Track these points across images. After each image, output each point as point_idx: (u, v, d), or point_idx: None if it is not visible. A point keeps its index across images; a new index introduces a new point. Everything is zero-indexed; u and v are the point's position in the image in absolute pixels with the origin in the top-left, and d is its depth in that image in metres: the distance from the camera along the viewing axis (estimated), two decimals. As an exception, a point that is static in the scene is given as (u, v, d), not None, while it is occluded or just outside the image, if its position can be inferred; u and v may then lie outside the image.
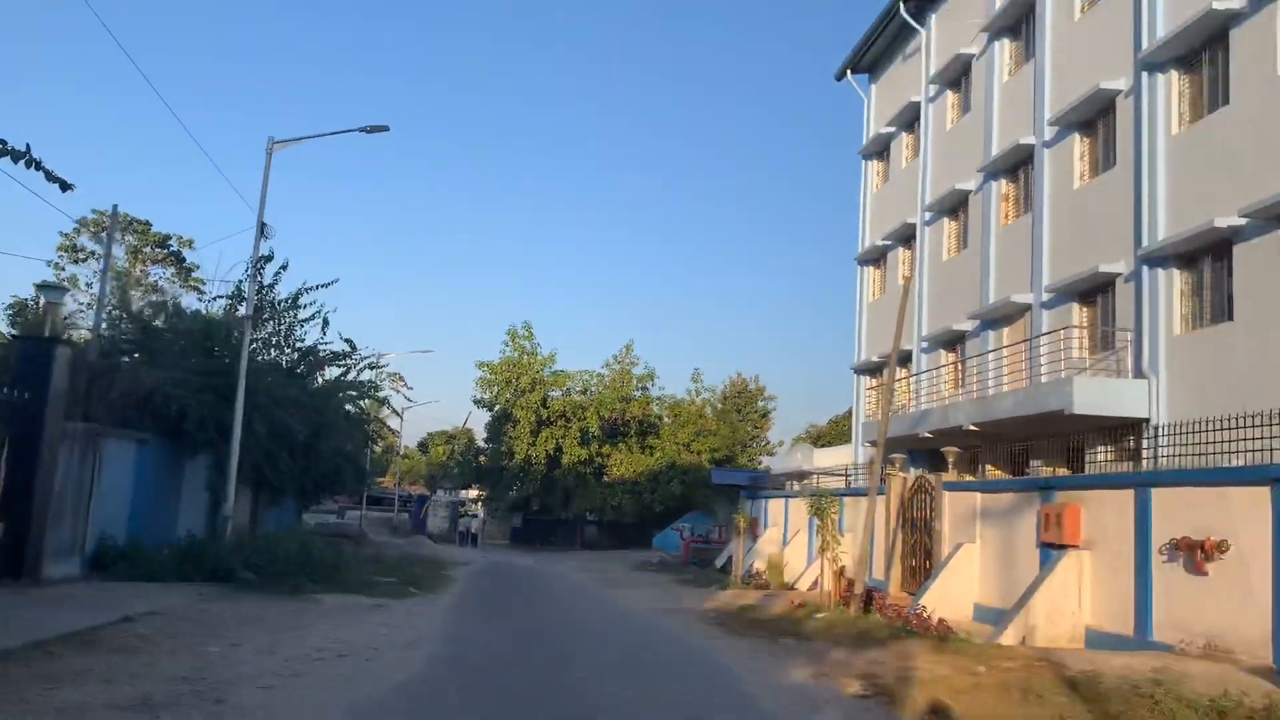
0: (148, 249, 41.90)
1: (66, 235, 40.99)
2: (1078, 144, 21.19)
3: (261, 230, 19.15)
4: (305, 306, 21.94)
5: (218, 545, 17.15)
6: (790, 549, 27.58)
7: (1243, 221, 15.62)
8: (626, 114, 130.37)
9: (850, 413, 45.83)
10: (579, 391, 54.42)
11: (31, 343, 14.59)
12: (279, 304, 21.53)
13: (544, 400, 52.78)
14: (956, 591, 17.78)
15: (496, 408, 54.52)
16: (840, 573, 19.67)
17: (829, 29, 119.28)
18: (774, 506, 31.24)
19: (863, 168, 34.14)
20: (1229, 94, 16.55)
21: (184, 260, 42.05)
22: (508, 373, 53.68)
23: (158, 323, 20.98)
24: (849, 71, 34.10)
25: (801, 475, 36.72)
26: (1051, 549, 15.45)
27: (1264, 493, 11.37)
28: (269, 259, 19.86)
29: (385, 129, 19.32)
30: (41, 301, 15.26)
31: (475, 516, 65.71)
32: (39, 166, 7.46)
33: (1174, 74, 18.04)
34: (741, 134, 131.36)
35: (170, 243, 42.41)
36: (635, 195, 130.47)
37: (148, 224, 42.39)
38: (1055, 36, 22.21)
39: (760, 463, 57.08)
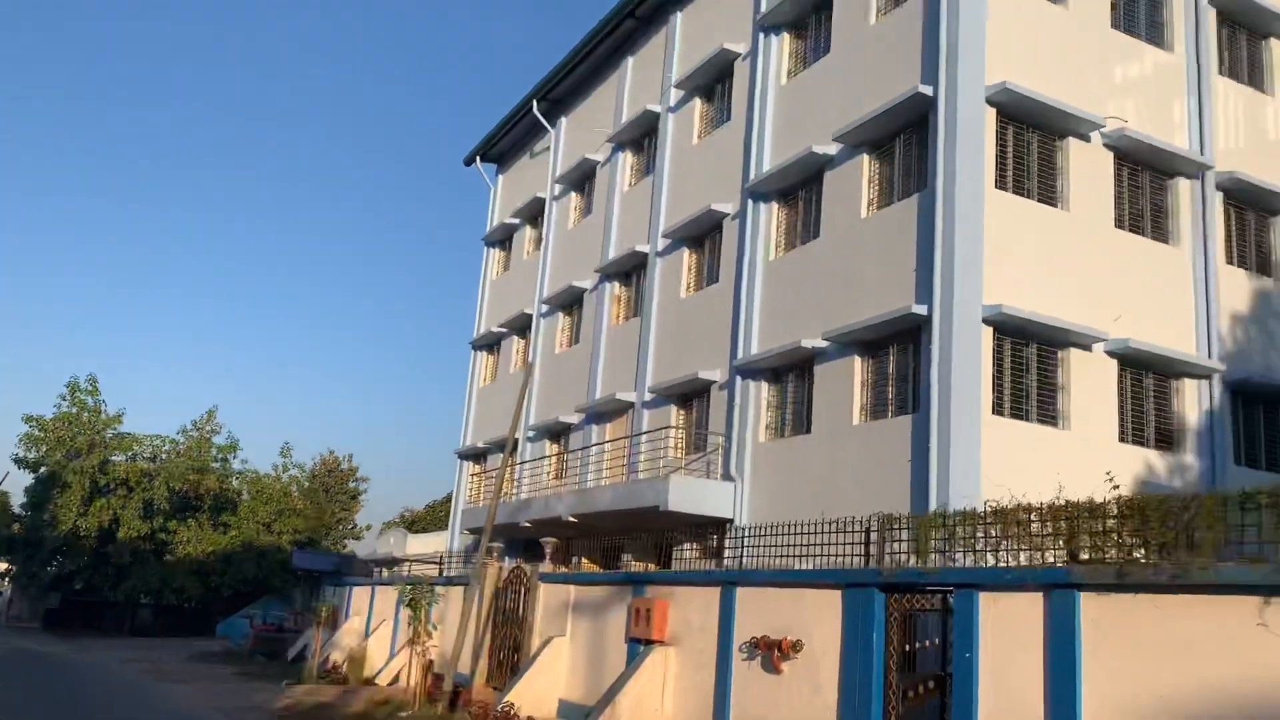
0: None
1: None
2: (687, 257, 22.58)
3: None
4: None
5: None
6: (374, 640, 26.10)
7: (824, 344, 17.22)
8: (232, 167, 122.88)
9: (448, 498, 45.15)
10: (147, 458, 48.89)
11: None
12: None
13: (103, 465, 46.77)
14: (544, 687, 17.49)
15: (43, 469, 47.44)
16: (428, 667, 18.72)
17: (460, 112, 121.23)
18: (359, 594, 29.57)
19: (485, 254, 34.31)
20: (819, 228, 18.40)
21: None
22: (62, 430, 47.06)
23: None
24: (478, 158, 34.41)
25: (393, 562, 35.27)
26: (639, 644, 15.64)
27: (835, 595, 12.19)
28: None
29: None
30: None
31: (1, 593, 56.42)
32: None
33: (775, 205, 19.83)
34: (357, 212, 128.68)
35: None
36: (228, 256, 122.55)
37: None
38: (674, 156, 23.75)
39: (346, 546, 54.50)
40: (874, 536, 12.28)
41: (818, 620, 12.43)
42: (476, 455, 31.32)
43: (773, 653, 12.92)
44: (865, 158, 17.61)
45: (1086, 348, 16.02)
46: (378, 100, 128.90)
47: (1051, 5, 17.16)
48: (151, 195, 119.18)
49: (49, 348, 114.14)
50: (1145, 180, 17.57)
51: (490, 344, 32.53)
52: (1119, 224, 17.05)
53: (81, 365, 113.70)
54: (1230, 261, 17.93)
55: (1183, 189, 17.76)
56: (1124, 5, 18.10)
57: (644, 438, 21.57)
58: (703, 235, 22.05)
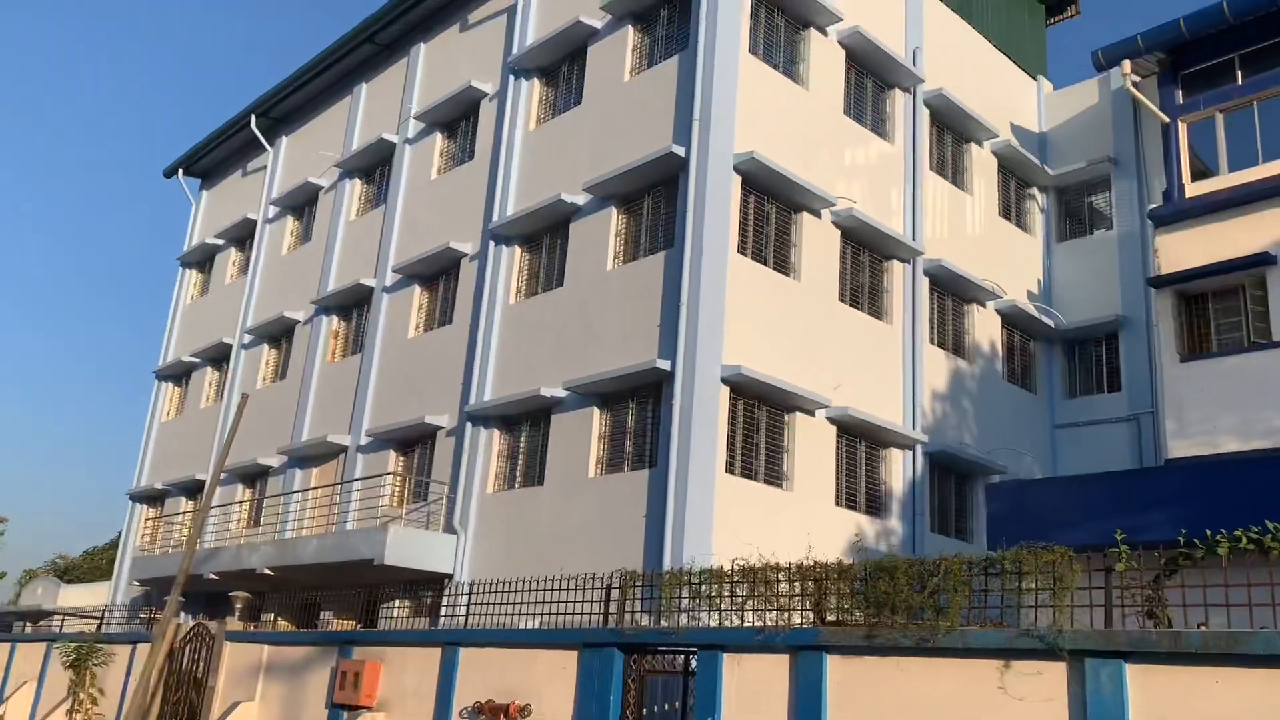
0: None
1: None
2: (418, 295, 21.51)
3: None
4: None
5: None
6: (10, 706, 22.43)
7: (563, 394, 16.79)
8: None
9: (112, 544, 40.52)
10: None
11: None
12: None
13: None
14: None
15: None
16: (88, 739, 16.21)
17: (165, 117, 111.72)
18: (-5, 652, 25.49)
19: (180, 275, 31.29)
20: (564, 277, 18.06)
21: None
22: None
23: None
24: (180, 171, 31.50)
25: (40, 615, 30.77)
26: (343, 710, 14.31)
27: (571, 656, 11.63)
28: None
29: None
30: None
31: None
32: None
33: (518, 249, 19.30)
34: (30, 217, 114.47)
35: None
36: None
37: None
38: (409, 189, 22.70)
39: (-28, 596, 47.51)
40: (614, 594, 11.83)
41: (550, 681, 11.81)
42: (153, 498, 28.10)
43: (498, 717, 12.13)
44: (614, 211, 17.52)
45: (810, 413, 16.61)
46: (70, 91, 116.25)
47: (794, 86, 17.99)
48: None
49: None
50: (866, 259, 18.67)
51: (179, 374, 29.52)
52: (842, 298, 17.95)
53: None
54: (933, 342, 19.36)
55: (897, 270, 19.04)
56: (854, 95, 19.32)
57: (357, 484, 20.10)
58: (437, 274, 21.10)
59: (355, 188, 24.92)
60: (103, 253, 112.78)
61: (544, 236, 18.92)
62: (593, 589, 12.19)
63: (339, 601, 19.23)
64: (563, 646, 11.81)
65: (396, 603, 18.43)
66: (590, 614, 12.15)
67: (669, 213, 16.60)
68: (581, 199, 17.92)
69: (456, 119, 22.17)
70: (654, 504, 14.81)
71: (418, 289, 21.56)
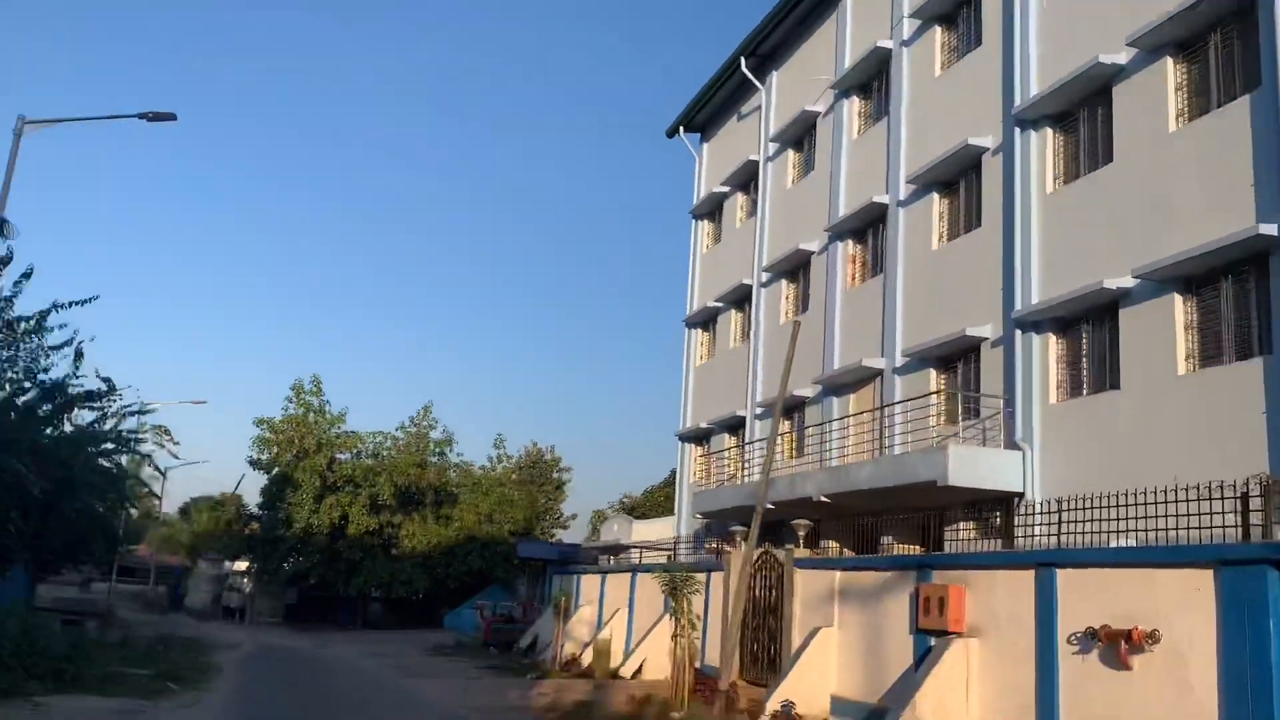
0: None
1: None
2: (937, 203, 20.33)
3: (0, 226, 15.26)
4: (54, 330, 17.85)
5: None
6: (609, 631, 25.12)
7: (1131, 284, 14.74)
8: (433, 165, 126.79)
9: (668, 482, 44.11)
10: (370, 455, 50.13)
11: None
12: (18, 323, 17.28)
13: (330, 464, 48.20)
14: (813, 683, 15.82)
15: (275, 470, 49.39)
16: (691, 662, 17.38)
17: (658, 86, 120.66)
18: (588, 583, 28.75)
19: (693, 228, 32.88)
20: (1111, 152, 15.86)
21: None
22: (291, 432, 48.79)
23: None
24: (681, 129, 32.98)
25: (618, 549, 34.39)
26: (930, 636, 13.77)
27: (1205, 575, 9.98)
28: (7, 261, 15.82)
29: (171, 117, 15.98)
30: None
31: (242, 591, 59.43)
32: None
33: (1049, 131, 17.35)
34: (557, 190, 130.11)
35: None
36: (433, 251, 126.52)
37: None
38: (912, 93, 21.49)
39: (554, 535, 54.56)
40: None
41: (1178, 605, 10.23)
42: (699, 437, 29.95)
43: (1119, 646, 10.80)
44: (1168, 61, 14.96)
45: None
46: (567, 79, 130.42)
47: None
48: (352, 198, 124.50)
49: (276, 354, 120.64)
50: None
51: (705, 320, 31.09)
52: None
53: (304, 368, 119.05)
54: None
55: None
56: None
57: (902, 407, 19.50)
58: (956, 176, 19.73)
59: (853, 106, 24.22)
60: (621, 214, 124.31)
61: (1080, 110, 16.76)
62: (1219, 499, 10.42)
63: (899, 526, 18.85)
64: (1191, 565, 10.18)
65: (961, 525, 17.60)
66: (1219, 527, 10.39)
67: (1246, 49, 13.76)
68: (1124, 56, 15.55)
69: (955, 6, 20.48)
70: (1276, 398, 12.41)
71: (936, 196, 20.36)
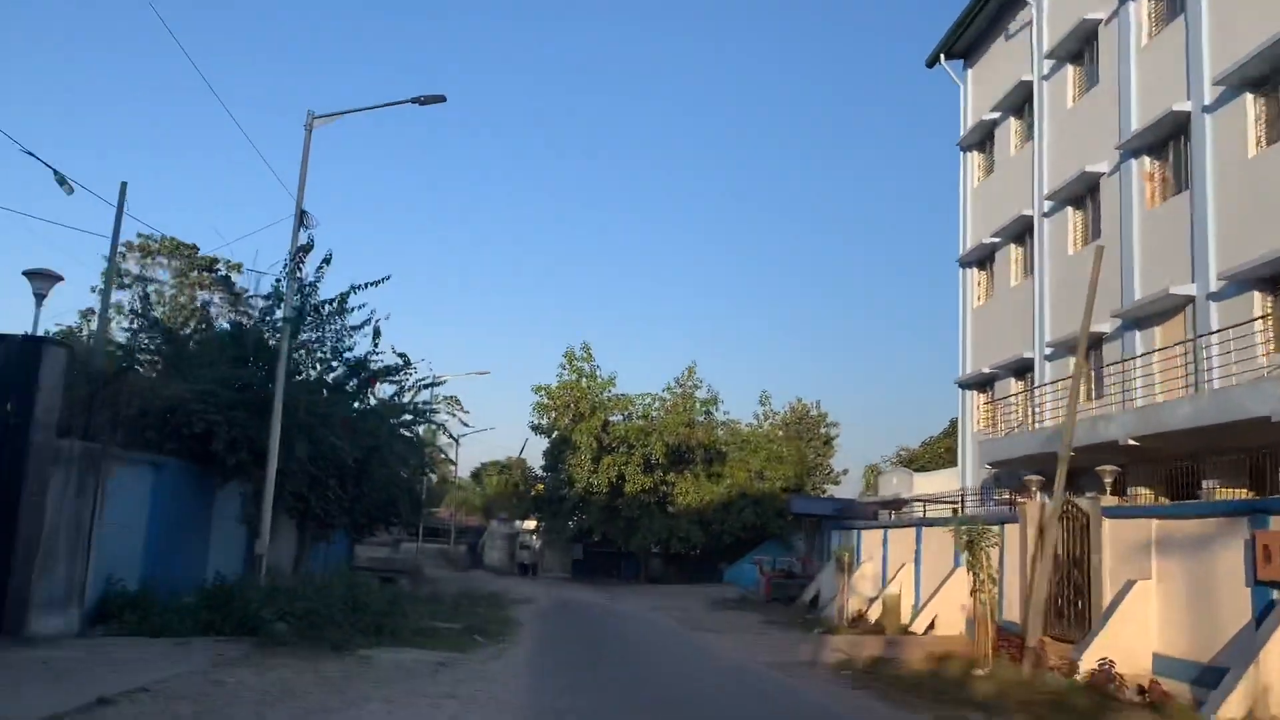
0: (194, 273, 39.89)
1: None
2: (1253, 104, 17.91)
3: (301, 219, 16.51)
4: (354, 310, 19.22)
5: (246, 591, 14.36)
6: (894, 586, 24.34)
7: None
8: (682, 116, 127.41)
9: (948, 433, 42.36)
10: (641, 416, 51.46)
11: (14, 343, 11.97)
12: (323, 306, 18.76)
13: (604, 426, 49.88)
14: (1130, 640, 14.50)
15: (555, 434, 51.77)
16: (991, 618, 16.44)
17: (907, 16, 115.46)
18: (869, 538, 27.99)
19: (961, 160, 30.95)
20: None
21: (233, 285, 40.00)
22: (566, 397, 50.91)
23: (185, 332, 18.49)
24: (941, 57, 31.05)
25: (898, 503, 33.33)
26: (1272, 588, 12.22)
27: None
28: (309, 249, 17.17)
29: (441, 99, 16.69)
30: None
31: (532, 548, 62.90)
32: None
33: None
34: (812, 135, 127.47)
35: (218, 267, 40.26)
36: (695, 205, 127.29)
37: (194, 248, 40.41)
38: (1216, -17, 19.00)
39: (824, 491, 53.90)
40: None
41: None
42: (981, 383, 28.33)
43: None
44: None
45: None
46: (814, 17, 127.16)
47: None
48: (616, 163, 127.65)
49: (548, 323, 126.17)
50: None
51: (981, 259, 29.26)
52: None
53: (574, 335, 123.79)
54: None
55: None
56: None
57: (1215, 337, 17.44)
58: (1274, 71, 17.27)
59: (1141, 8, 21.78)
60: (882, 153, 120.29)
61: None
62: None
63: (1223, 468, 16.91)
64: None
65: (1301, 466, 15.55)
66: None
67: None
68: None
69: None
70: None
71: (1250, 97, 17.94)
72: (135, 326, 18.41)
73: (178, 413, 15.50)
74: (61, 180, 12.56)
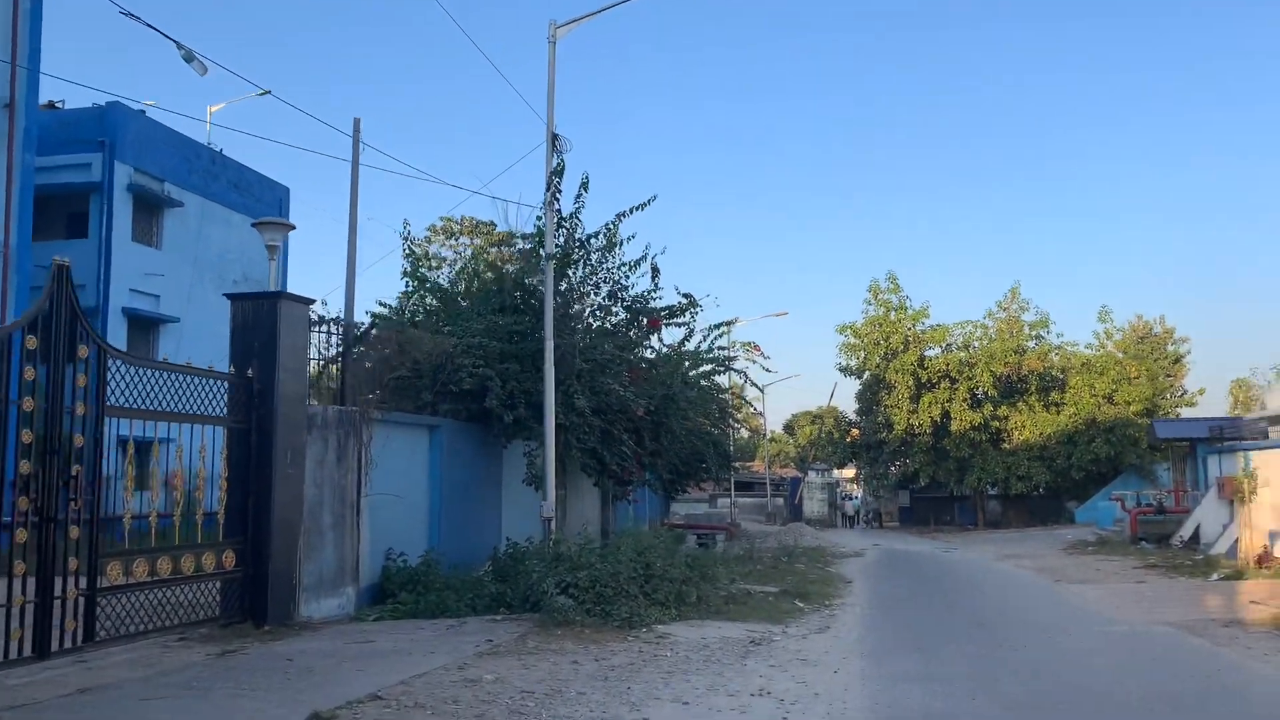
0: (494, 249, 40.23)
1: (417, 243, 40.10)
2: None
3: (553, 142, 14.66)
4: (625, 243, 17.19)
5: (528, 560, 12.74)
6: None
7: None
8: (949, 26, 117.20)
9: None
10: (961, 347, 47.01)
11: (250, 302, 10.85)
12: (589, 241, 16.84)
13: (920, 361, 46.00)
14: None
15: (866, 374, 48.49)
16: None
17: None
18: (1264, 462, 22.86)
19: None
20: None
21: (503, 231, 39.84)
22: (874, 333, 47.45)
23: (457, 287, 17.33)
24: None
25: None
26: None
27: None
28: (560, 172, 15.20)
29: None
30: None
31: (854, 498, 60.04)
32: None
33: None
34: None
35: (515, 241, 40.28)
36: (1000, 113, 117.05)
37: (491, 224, 40.74)
38: None
39: (1177, 414, 47.03)
40: None
41: None
42: None
43: None
44: None
45: None
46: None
47: None
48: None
49: (847, 257, 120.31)
50: None
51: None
52: None
53: (877, 266, 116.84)
54: None
55: None
56: None
57: None
58: None
59: None
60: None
61: None
62: None
63: None
64: None
65: None
66: None
67: None
68: None
69: None
70: None
71: None
72: (407, 288, 17.45)
73: (445, 369, 14.19)
74: (190, 58, 11.39)
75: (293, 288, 36.32)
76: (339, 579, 11.66)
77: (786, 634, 11.36)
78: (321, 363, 12.57)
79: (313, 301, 11.24)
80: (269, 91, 25.37)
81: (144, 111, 30.59)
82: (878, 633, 12.20)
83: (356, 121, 13.06)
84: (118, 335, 28.10)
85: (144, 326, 29.44)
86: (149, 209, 30.03)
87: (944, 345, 47.05)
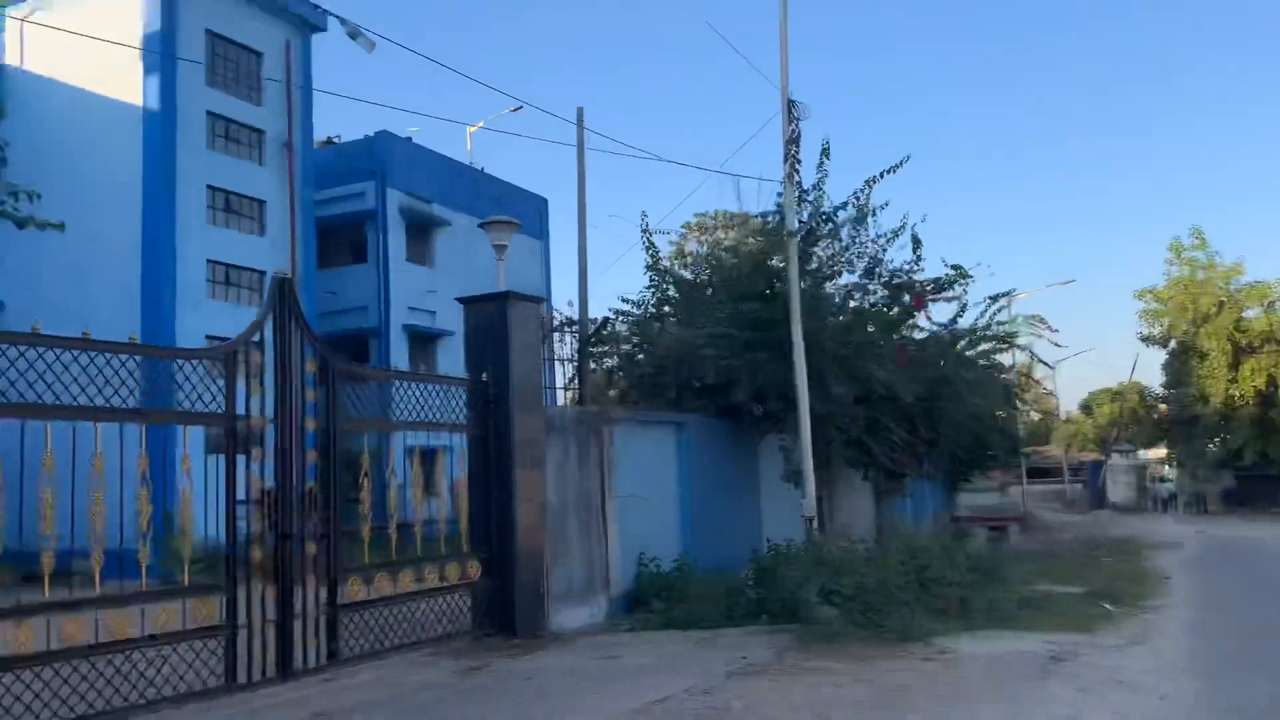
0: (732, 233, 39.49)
1: (674, 242, 39.96)
2: None
3: (789, 109, 13.56)
4: (876, 213, 15.75)
5: (785, 564, 11.72)
6: None
7: None
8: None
9: None
10: (1286, 303, 41.39)
11: (478, 306, 10.51)
12: (835, 213, 15.54)
13: (1237, 323, 40.80)
14: None
15: (1171, 343, 43.67)
16: None
17: None
18: None
19: None
20: None
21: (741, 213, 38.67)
22: (1180, 297, 42.60)
23: (701, 276, 16.57)
24: None
25: None
26: None
27: None
28: (797, 140, 14.01)
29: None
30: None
31: (1165, 480, 54.28)
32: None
33: None
34: None
35: (754, 222, 39.32)
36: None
37: (745, 215, 40.03)
38: None
39: None
40: None
41: None
42: None
43: None
44: None
45: None
46: None
47: None
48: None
49: (1138, 216, 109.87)
50: None
51: None
52: None
53: (1176, 222, 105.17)
54: None
55: None
56: None
57: None
58: None
59: None
60: None
61: None
62: None
63: None
64: None
65: None
66: None
67: None
68: None
69: None
70: None
71: None
72: (650, 282, 16.87)
73: (688, 363, 13.45)
74: (355, 34, 11.14)
75: (557, 294, 37.36)
76: (589, 587, 11.15)
77: (1095, 646, 9.66)
78: (560, 363, 12.18)
79: (542, 300, 10.82)
80: (521, 107, 25.78)
81: (410, 138, 32.21)
82: (1210, 645, 10.20)
83: (580, 111, 12.64)
84: (400, 352, 29.69)
85: (423, 342, 30.93)
86: (420, 230, 31.55)
87: (1265, 304, 41.52)
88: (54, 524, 6.58)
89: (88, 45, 18.82)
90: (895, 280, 16.81)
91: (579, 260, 12.17)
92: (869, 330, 15.84)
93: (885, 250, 16.32)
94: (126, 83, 23.50)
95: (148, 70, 23.36)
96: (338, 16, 11.71)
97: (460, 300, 10.81)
